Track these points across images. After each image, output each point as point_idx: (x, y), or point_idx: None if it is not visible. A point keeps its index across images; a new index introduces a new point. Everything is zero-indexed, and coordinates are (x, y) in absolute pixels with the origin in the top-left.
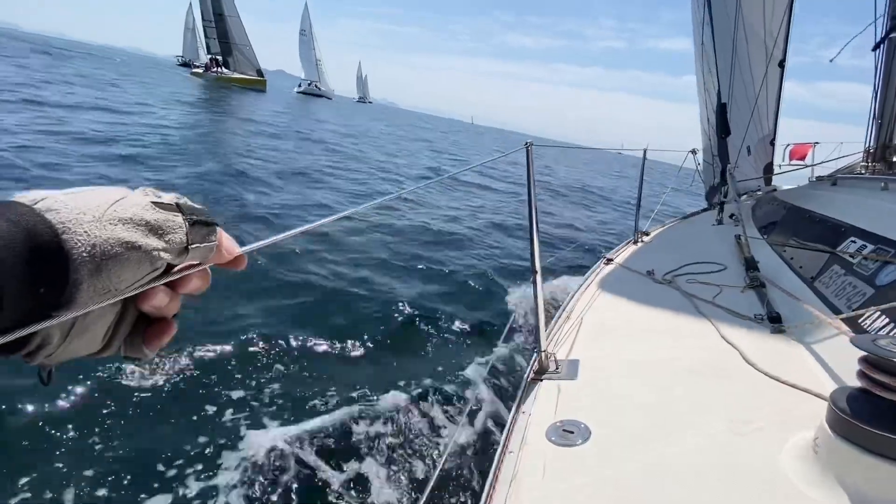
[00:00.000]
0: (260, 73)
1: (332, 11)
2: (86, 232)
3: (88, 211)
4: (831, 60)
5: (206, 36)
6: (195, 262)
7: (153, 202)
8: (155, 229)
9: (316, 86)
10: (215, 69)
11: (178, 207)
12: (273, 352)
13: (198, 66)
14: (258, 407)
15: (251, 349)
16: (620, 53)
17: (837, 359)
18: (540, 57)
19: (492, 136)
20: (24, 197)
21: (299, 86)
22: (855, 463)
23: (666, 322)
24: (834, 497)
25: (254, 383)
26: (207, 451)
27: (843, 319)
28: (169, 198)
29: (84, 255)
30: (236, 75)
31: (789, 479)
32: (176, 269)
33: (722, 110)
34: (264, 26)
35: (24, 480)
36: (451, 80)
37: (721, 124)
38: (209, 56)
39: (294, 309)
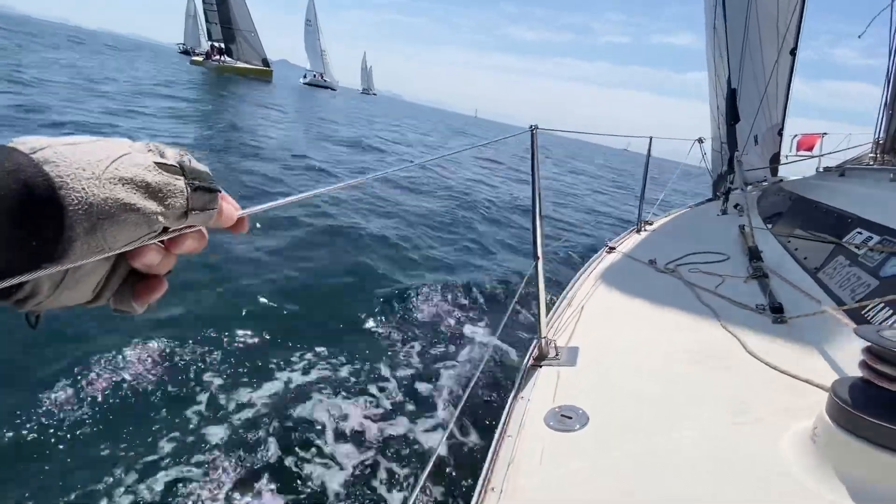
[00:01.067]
0: (266, 62)
1: (335, 2)
2: (83, 189)
3: (88, 167)
4: (859, 36)
5: (206, 20)
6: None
7: (156, 162)
8: (155, 192)
9: (321, 77)
10: (217, 57)
11: (182, 169)
12: (263, 330)
13: (198, 54)
14: (242, 388)
15: (232, 333)
16: (625, 48)
17: (839, 350)
18: (544, 51)
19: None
20: (24, 143)
21: (304, 77)
22: (855, 453)
23: (667, 311)
24: (832, 487)
25: (234, 366)
26: (202, 444)
27: (846, 310)
28: (172, 155)
29: (80, 213)
30: (240, 65)
31: (787, 468)
32: (172, 229)
33: (732, 96)
34: (266, 14)
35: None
36: (455, 73)
37: (730, 110)
38: (210, 43)
39: (282, 289)
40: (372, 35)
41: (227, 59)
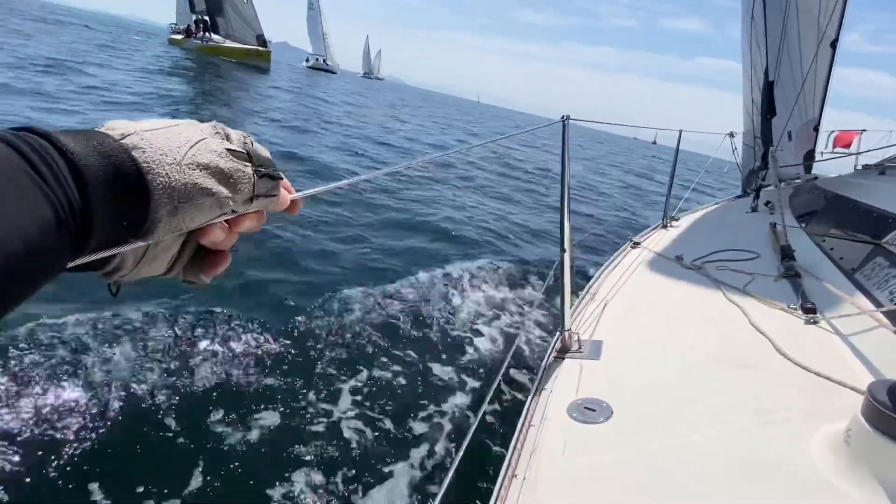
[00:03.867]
0: (263, 41)
1: None
2: (167, 174)
3: (170, 153)
4: None
5: None
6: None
7: (228, 149)
8: (227, 178)
9: (324, 61)
10: (199, 34)
11: (249, 156)
12: (291, 326)
13: (177, 33)
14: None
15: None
16: (632, 32)
17: (877, 352)
18: (550, 36)
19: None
20: (113, 129)
21: (307, 60)
22: (891, 456)
23: (693, 308)
24: (866, 490)
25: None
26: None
27: (884, 312)
28: (237, 138)
29: (164, 196)
30: (229, 44)
31: (818, 470)
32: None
33: (769, 89)
34: None
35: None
36: (457, 57)
37: (767, 104)
38: (194, 16)
39: (300, 285)
40: (373, 17)
41: (214, 37)
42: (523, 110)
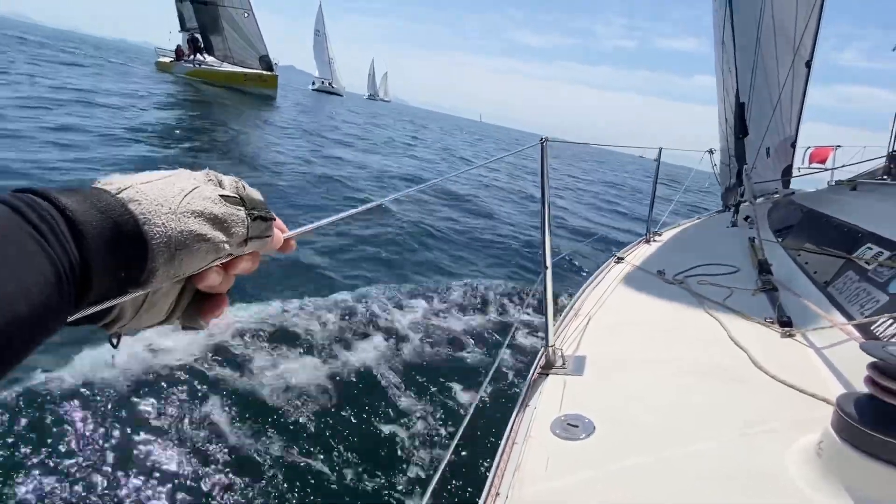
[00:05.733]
0: (268, 62)
1: (339, 8)
2: (163, 224)
3: (165, 202)
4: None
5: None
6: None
7: (221, 195)
8: (221, 223)
9: (329, 84)
10: (190, 56)
11: (242, 200)
12: (279, 330)
13: (165, 55)
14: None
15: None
16: (630, 53)
17: (847, 364)
18: (549, 55)
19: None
20: (109, 184)
21: (313, 83)
22: (860, 468)
23: (674, 322)
24: (837, 501)
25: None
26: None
27: (855, 325)
28: (229, 184)
29: (161, 245)
30: (227, 68)
31: (793, 482)
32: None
33: (740, 110)
34: (274, 19)
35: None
36: (459, 78)
37: (739, 124)
38: (183, 34)
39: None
40: (376, 40)
41: (209, 58)
42: (526, 129)
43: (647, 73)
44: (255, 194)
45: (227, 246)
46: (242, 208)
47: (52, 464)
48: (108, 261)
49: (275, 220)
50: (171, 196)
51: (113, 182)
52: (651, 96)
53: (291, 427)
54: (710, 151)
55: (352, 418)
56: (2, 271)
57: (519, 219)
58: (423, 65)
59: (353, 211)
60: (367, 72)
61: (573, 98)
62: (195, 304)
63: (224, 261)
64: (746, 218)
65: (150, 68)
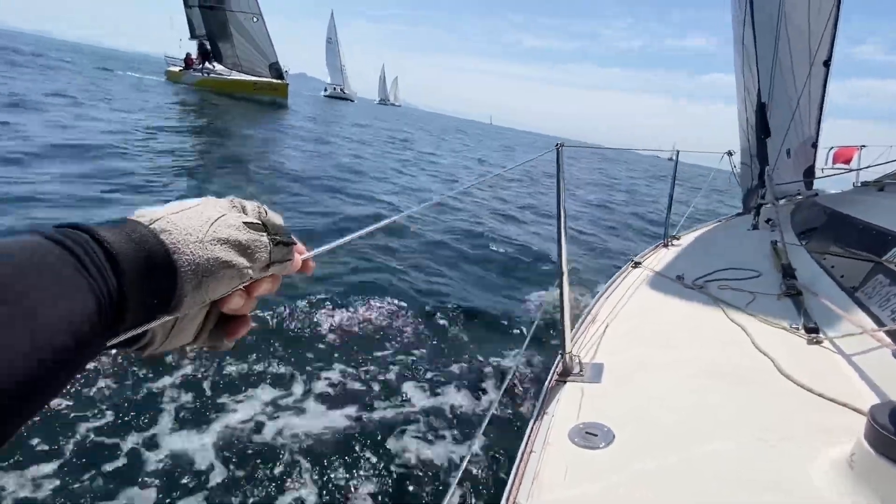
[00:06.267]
0: (278, 70)
1: (347, 14)
2: (191, 252)
3: (193, 232)
4: None
5: (185, 4)
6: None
7: (245, 222)
8: (245, 249)
9: (341, 90)
10: (200, 65)
11: (264, 226)
12: (287, 339)
13: (175, 64)
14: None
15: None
16: (638, 53)
17: (879, 372)
18: (555, 58)
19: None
20: (143, 216)
21: (325, 90)
22: (894, 481)
23: (695, 328)
24: None
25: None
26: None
27: (886, 332)
28: (252, 210)
29: (189, 273)
30: (236, 76)
31: (821, 493)
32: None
33: (762, 110)
34: (286, 25)
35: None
36: (469, 82)
37: (761, 125)
38: (194, 41)
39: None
40: (383, 45)
41: (218, 66)
42: (537, 131)
43: (651, 75)
44: (277, 219)
45: (250, 271)
46: (265, 234)
47: (47, 469)
48: (141, 289)
49: (295, 244)
50: (199, 225)
51: (145, 214)
52: (666, 96)
53: (304, 437)
54: (730, 153)
55: (367, 426)
56: (48, 302)
57: (533, 225)
58: (430, 69)
59: (370, 228)
60: (374, 76)
61: (583, 101)
62: (220, 326)
63: (246, 284)
64: (768, 220)
65: (161, 77)
